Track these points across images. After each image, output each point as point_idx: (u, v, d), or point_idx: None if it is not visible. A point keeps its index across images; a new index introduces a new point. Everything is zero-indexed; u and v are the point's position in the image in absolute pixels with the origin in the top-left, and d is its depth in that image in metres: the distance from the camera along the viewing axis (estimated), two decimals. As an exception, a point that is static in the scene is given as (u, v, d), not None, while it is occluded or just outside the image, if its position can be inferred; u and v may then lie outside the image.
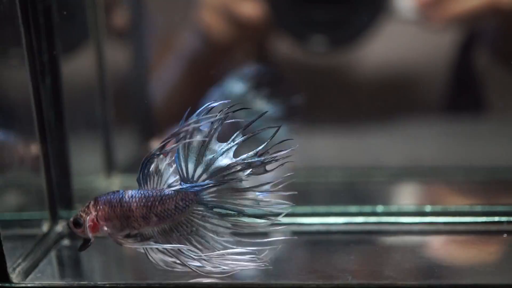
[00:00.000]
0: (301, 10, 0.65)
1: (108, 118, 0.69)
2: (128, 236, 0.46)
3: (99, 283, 0.45)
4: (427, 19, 0.62)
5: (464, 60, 0.64)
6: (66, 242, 0.55)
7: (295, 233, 0.54)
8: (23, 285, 0.46)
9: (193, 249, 0.45)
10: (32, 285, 0.46)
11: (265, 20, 0.65)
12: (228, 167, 0.43)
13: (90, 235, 0.46)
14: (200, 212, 0.45)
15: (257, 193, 0.44)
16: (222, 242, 0.45)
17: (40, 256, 0.51)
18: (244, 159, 0.44)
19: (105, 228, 0.46)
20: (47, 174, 0.54)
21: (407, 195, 0.69)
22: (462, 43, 0.63)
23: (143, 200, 0.45)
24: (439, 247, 0.52)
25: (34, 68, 0.51)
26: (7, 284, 0.46)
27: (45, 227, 0.55)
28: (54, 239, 0.54)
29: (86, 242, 0.47)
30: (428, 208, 0.56)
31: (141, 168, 0.45)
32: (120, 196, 0.46)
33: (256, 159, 0.43)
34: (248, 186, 0.44)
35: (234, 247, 0.45)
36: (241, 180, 0.44)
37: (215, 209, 0.45)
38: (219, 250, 0.45)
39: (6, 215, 0.47)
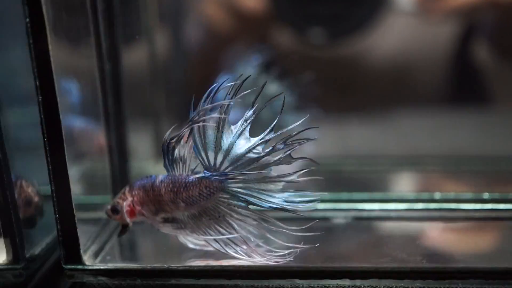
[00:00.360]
0: (302, 3, 0.65)
1: (158, 106, 0.70)
2: (166, 220, 0.47)
3: (172, 265, 0.46)
4: (426, 11, 0.62)
5: (463, 52, 0.64)
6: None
7: (355, 218, 0.54)
8: (96, 267, 0.47)
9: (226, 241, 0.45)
10: (106, 267, 0.47)
11: (267, 12, 0.65)
12: (249, 157, 0.43)
13: (128, 220, 0.47)
14: (226, 201, 0.45)
15: (286, 193, 0.44)
16: (251, 229, 0.45)
17: (106, 239, 0.52)
18: (262, 138, 0.43)
19: (142, 212, 0.47)
20: (111, 159, 0.55)
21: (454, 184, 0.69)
22: (461, 35, 0.63)
23: (170, 186, 0.46)
24: (499, 232, 0.52)
25: (101, 57, 0.52)
26: (80, 266, 0.47)
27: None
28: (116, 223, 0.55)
29: (124, 228, 0.48)
30: (486, 195, 0.56)
31: (164, 154, 0.45)
32: (152, 180, 0.46)
33: (279, 145, 0.43)
34: (274, 176, 0.44)
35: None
36: (265, 167, 0.44)
37: (240, 201, 0.45)
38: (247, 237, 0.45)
39: (80, 199, 0.47)
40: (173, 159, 0.45)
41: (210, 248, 0.46)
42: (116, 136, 0.56)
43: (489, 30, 0.62)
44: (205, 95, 0.43)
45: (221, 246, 0.46)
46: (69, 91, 0.48)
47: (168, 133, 0.45)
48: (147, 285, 0.46)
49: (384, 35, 0.64)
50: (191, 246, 0.48)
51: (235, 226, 0.45)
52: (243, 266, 0.45)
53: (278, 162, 0.44)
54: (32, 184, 0.49)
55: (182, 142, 0.44)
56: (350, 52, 0.67)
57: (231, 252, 0.45)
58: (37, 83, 0.42)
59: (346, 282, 0.44)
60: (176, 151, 0.45)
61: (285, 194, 0.44)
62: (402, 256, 0.45)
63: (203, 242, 0.47)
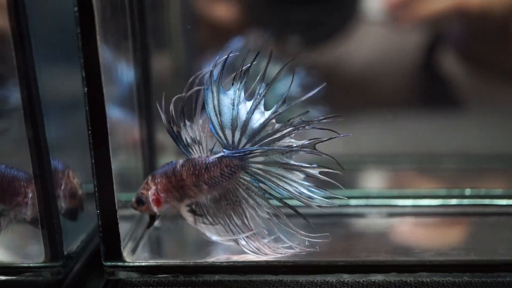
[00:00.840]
0: (278, 11, 0.65)
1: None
2: (192, 211, 0.47)
3: (216, 262, 0.45)
4: (397, 20, 0.63)
5: (431, 60, 0.66)
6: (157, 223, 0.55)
7: (390, 214, 0.55)
8: (137, 264, 0.46)
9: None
10: (147, 263, 0.46)
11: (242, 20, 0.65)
12: (267, 132, 0.43)
13: (155, 209, 0.47)
14: (246, 183, 0.45)
15: (302, 182, 0.44)
16: (259, 222, 0.45)
17: (139, 236, 0.51)
18: (275, 111, 0.43)
19: (167, 200, 0.46)
20: (144, 155, 0.54)
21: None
22: (429, 44, 0.65)
23: (191, 169, 0.45)
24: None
25: (136, 58, 0.52)
26: (120, 263, 0.46)
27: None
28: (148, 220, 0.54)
29: (153, 218, 0.48)
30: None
31: (174, 141, 0.45)
32: (173, 166, 0.46)
33: (297, 120, 0.43)
34: (295, 164, 0.44)
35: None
36: (282, 151, 0.43)
37: (260, 184, 0.44)
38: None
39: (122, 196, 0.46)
40: (186, 143, 0.45)
41: (231, 243, 0.46)
42: (148, 132, 0.55)
43: (456, 39, 0.64)
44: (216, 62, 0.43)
45: (233, 236, 0.45)
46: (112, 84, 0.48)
47: (163, 117, 0.44)
48: (189, 282, 0.45)
49: (355, 44, 0.65)
50: (213, 238, 0.47)
51: (247, 214, 0.45)
52: (288, 262, 0.45)
53: (298, 149, 0.43)
54: (77, 176, 0.48)
55: (188, 123, 0.44)
56: (322, 60, 0.67)
57: (243, 244, 0.45)
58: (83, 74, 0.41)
59: (392, 277, 0.44)
60: (185, 134, 0.44)
61: (303, 188, 0.44)
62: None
63: (223, 236, 0.46)
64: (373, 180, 0.67)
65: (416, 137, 0.66)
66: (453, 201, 0.57)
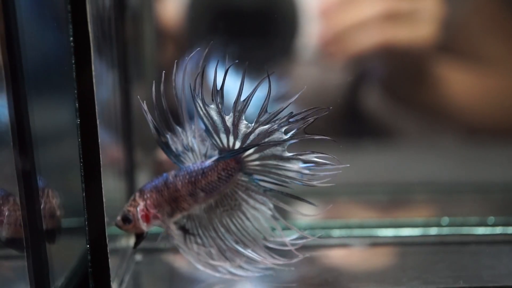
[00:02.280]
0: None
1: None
2: (182, 229, 0.45)
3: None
4: (328, 56, 0.67)
5: (357, 96, 0.69)
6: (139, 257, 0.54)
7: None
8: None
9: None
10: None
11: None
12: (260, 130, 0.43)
13: (143, 226, 0.45)
14: (244, 184, 0.45)
15: (301, 165, 0.44)
16: (263, 223, 0.45)
17: (124, 270, 0.50)
18: (257, 121, 0.43)
19: (157, 215, 0.45)
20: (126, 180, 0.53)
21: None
22: (356, 80, 0.69)
23: (187, 177, 0.44)
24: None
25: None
26: (108, 300, 0.44)
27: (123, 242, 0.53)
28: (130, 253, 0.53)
29: (140, 237, 0.46)
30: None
31: (165, 152, 0.44)
32: (165, 179, 0.45)
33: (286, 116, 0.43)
34: (291, 155, 0.44)
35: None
36: (277, 143, 0.43)
37: (259, 182, 0.44)
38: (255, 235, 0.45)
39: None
40: (178, 153, 0.44)
41: (217, 274, 0.45)
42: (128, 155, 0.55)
43: (382, 75, 0.68)
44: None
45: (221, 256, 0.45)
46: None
47: (151, 125, 0.43)
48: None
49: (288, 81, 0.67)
50: (199, 267, 0.46)
51: (249, 216, 0.44)
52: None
53: (290, 138, 0.43)
54: (56, 196, 0.46)
55: (178, 129, 0.44)
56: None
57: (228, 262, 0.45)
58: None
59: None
60: (175, 143, 0.44)
61: (302, 169, 0.44)
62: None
63: (211, 263, 0.45)
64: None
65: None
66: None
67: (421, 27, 0.67)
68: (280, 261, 0.45)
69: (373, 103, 0.69)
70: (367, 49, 0.67)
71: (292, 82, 0.67)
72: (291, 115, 0.43)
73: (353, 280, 0.49)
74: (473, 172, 0.70)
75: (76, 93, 0.40)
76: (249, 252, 0.45)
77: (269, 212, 0.45)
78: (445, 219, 0.60)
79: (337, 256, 0.56)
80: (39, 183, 0.43)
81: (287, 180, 0.44)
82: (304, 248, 0.44)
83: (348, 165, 0.44)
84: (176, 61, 0.43)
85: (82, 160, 0.41)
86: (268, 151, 0.44)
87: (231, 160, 0.44)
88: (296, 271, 0.49)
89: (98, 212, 0.43)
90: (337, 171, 0.44)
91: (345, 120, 0.69)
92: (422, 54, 0.68)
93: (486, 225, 0.59)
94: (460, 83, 0.69)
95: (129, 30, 0.58)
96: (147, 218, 0.45)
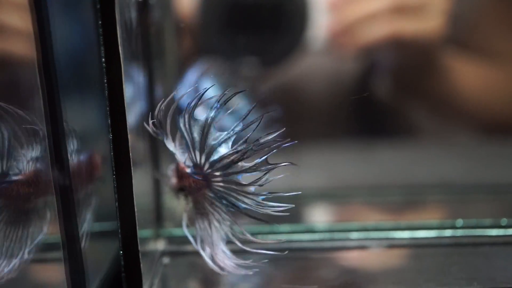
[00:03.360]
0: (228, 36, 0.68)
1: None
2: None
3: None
4: (338, 47, 0.68)
5: (367, 87, 0.70)
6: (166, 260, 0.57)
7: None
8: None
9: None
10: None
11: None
12: (224, 157, 0.46)
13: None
14: (210, 199, 0.48)
15: (260, 197, 0.46)
16: (222, 235, 0.48)
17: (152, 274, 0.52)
18: (235, 150, 0.46)
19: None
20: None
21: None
22: (367, 71, 0.69)
23: (174, 172, 0.50)
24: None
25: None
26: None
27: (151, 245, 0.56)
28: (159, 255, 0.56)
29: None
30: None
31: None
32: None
33: (250, 146, 0.45)
34: (248, 183, 0.46)
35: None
36: (238, 172, 0.46)
37: (222, 200, 0.47)
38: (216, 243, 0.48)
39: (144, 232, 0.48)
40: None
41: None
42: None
43: (391, 67, 0.68)
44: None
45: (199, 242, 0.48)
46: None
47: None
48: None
49: (298, 71, 0.68)
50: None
51: (212, 226, 0.48)
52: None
53: (254, 168, 0.46)
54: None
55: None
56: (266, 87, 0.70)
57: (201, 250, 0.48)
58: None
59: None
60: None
61: (258, 204, 0.46)
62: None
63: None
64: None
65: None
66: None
67: (430, 19, 0.67)
68: (243, 264, 0.47)
69: (384, 97, 0.70)
70: (376, 41, 0.67)
71: (302, 73, 0.68)
72: (257, 142, 0.45)
73: (372, 281, 0.51)
74: (485, 172, 0.71)
75: (107, 93, 0.43)
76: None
77: (229, 229, 0.48)
78: (459, 221, 0.62)
79: (354, 258, 0.58)
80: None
81: (244, 205, 0.47)
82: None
83: (297, 164, 0.46)
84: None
85: (114, 173, 0.44)
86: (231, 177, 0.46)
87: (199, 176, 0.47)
88: (315, 273, 0.51)
89: (130, 218, 0.45)
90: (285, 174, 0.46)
91: (357, 117, 0.70)
92: (432, 46, 0.68)
93: (499, 226, 0.61)
94: (473, 77, 0.69)
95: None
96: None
